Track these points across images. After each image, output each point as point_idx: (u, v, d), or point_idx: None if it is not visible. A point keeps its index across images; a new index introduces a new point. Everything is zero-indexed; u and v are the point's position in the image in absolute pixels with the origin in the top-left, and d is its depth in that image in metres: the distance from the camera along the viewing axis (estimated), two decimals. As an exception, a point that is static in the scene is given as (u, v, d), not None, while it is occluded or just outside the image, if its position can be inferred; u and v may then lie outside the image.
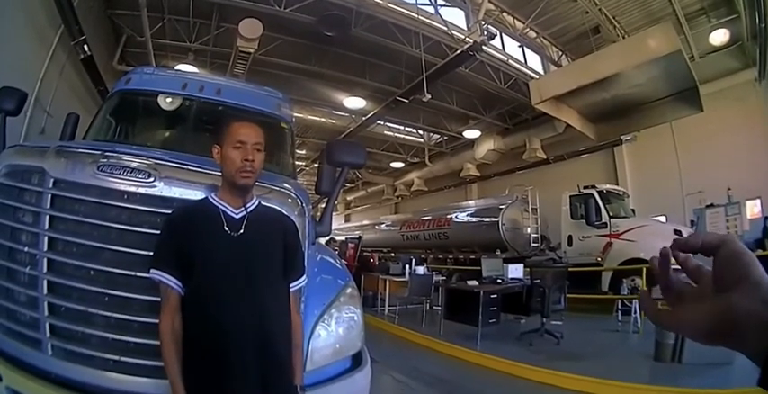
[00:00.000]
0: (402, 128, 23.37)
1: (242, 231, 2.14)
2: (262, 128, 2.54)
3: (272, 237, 2.23)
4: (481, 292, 8.40)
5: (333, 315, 2.98)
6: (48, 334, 2.54)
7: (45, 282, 2.58)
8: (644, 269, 10.09)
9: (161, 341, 2.04)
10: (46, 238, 2.61)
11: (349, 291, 3.22)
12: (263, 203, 2.36)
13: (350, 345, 3.03)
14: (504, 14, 14.32)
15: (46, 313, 2.55)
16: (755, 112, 13.40)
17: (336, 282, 3.26)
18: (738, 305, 0.64)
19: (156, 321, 2.13)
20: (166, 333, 2.03)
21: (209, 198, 2.27)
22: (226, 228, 2.12)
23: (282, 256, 2.22)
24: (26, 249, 2.65)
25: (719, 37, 13.13)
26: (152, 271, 2.09)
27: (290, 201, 2.84)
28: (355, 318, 3.09)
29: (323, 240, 3.87)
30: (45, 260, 2.59)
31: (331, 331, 2.92)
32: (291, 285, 2.26)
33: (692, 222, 9.86)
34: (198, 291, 2.05)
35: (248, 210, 2.23)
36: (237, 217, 2.18)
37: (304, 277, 2.38)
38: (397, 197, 30.49)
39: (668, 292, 0.81)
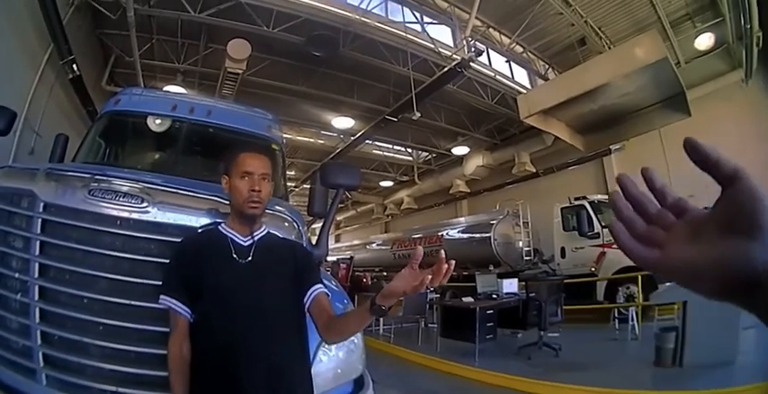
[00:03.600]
0: (391, 146, 23.39)
1: (250, 258, 2.14)
2: (252, 149, 2.50)
3: (281, 263, 2.22)
4: (477, 309, 8.39)
5: None
6: (41, 363, 2.48)
7: (37, 310, 2.52)
8: (639, 276, 10.09)
9: (169, 366, 2.04)
10: (37, 265, 2.55)
11: None
12: (271, 232, 2.36)
13: (351, 369, 2.99)
14: (491, 30, 14.44)
15: (39, 342, 2.50)
16: (744, 113, 13.51)
17: (335, 305, 3.21)
18: (759, 254, 0.56)
19: (154, 351, 2.18)
20: (175, 359, 2.03)
21: (219, 227, 2.28)
22: (234, 256, 2.13)
23: (293, 282, 2.20)
24: (17, 275, 2.60)
25: (705, 41, 13.20)
26: (161, 297, 2.10)
27: (286, 224, 2.83)
28: (355, 341, 3.04)
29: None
30: (36, 287, 2.53)
31: (332, 355, 2.87)
32: (313, 289, 2.21)
33: None
34: (206, 318, 2.06)
35: (256, 237, 2.24)
36: (246, 244, 2.20)
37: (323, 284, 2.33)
38: (388, 216, 30.45)
39: (637, 227, 0.69)
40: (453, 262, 1.62)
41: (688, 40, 13.50)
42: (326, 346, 2.85)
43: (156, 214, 2.59)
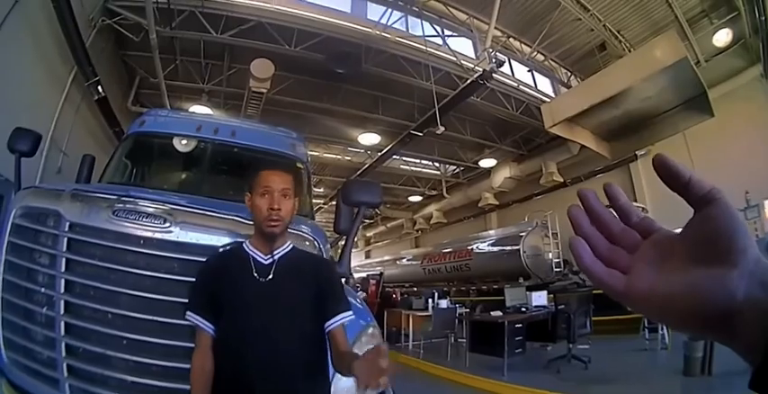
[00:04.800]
0: (418, 161, 23.36)
1: (271, 276, 2.17)
2: (277, 168, 2.51)
3: (303, 282, 2.24)
4: (506, 323, 8.33)
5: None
6: (65, 374, 2.56)
7: (62, 324, 2.61)
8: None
9: (191, 379, 2.10)
10: (63, 281, 2.65)
11: (371, 331, 3.22)
12: (297, 248, 2.38)
13: None
14: (511, 40, 14.44)
15: (63, 354, 2.58)
16: (765, 109, 13.19)
17: (358, 323, 3.23)
18: (738, 283, 0.51)
19: (176, 365, 2.25)
20: (197, 373, 2.09)
21: (243, 244, 2.32)
22: (255, 274, 2.17)
23: (314, 300, 2.21)
24: (43, 290, 2.70)
25: (723, 37, 12.96)
26: (188, 313, 2.19)
27: (306, 243, 2.84)
28: None
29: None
30: (62, 302, 2.63)
31: None
32: (331, 320, 2.20)
33: None
34: (226, 335, 2.11)
35: (276, 256, 2.25)
36: (266, 263, 2.22)
37: (349, 313, 2.31)
38: (417, 231, 30.33)
39: (599, 246, 0.64)
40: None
41: (706, 37, 13.30)
42: None
43: (178, 234, 2.65)
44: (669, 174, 0.58)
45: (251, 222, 2.70)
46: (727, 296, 0.52)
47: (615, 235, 0.64)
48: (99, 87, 10.21)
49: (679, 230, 0.60)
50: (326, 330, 2.18)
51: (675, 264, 0.57)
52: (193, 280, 2.30)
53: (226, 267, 2.24)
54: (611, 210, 0.67)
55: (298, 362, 2.13)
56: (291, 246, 2.34)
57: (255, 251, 2.24)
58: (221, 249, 2.45)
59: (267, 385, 2.01)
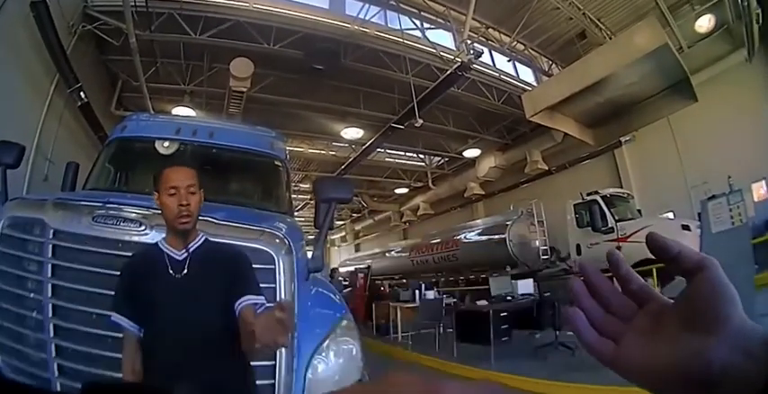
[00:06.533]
0: (402, 153, 23.54)
1: (185, 271, 2.20)
2: (256, 167, 2.61)
3: (218, 274, 2.24)
4: (491, 312, 8.43)
5: (330, 347, 3.08)
6: (56, 373, 2.71)
7: (51, 326, 2.75)
8: (654, 270, 10.00)
9: (123, 379, 2.17)
10: (50, 285, 2.79)
11: (345, 323, 3.31)
12: (210, 240, 2.39)
13: (350, 376, 3.12)
14: (491, 30, 14.54)
15: (53, 354, 2.72)
16: (751, 93, 13.33)
17: (332, 315, 3.34)
18: (716, 354, 0.52)
19: None
20: (126, 373, 2.16)
21: (158, 243, 2.33)
22: (170, 271, 2.19)
23: (229, 292, 2.19)
24: (32, 295, 2.83)
25: (705, 23, 13.00)
26: (112, 315, 2.21)
27: (277, 241, 2.98)
28: (354, 351, 3.19)
29: (319, 274, 3.91)
30: (50, 305, 2.77)
31: (329, 363, 3.03)
32: (238, 301, 2.14)
33: (698, 215, 9.76)
34: (149, 334, 2.16)
35: (190, 250, 2.27)
36: (180, 258, 2.24)
37: (260, 297, 2.24)
38: (405, 223, 30.47)
39: (595, 315, 0.65)
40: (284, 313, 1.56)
41: (688, 23, 13.34)
42: (323, 354, 3.01)
43: (153, 236, 2.76)
44: (659, 250, 0.59)
45: (223, 222, 2.84)
46: (704, 367, 0.52)
47: (612, 305, 0.65)
48: (81, 93, 10.22)
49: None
50: (238, 310, 2.13)
51: (665, 334, 0.57)
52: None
53: (142, 266, 2.27)
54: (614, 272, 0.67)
55: (219, 354, 2.15)
56: (204, 238, 2.36)
57: (169, 248, 2.26)
58: (138, 251, 2.48)
59: (191, 378, 2.05)
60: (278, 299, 2.78)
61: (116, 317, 2.19)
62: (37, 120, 9.15)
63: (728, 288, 0.53)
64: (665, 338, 0.57)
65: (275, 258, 2.90)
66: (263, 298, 2.26)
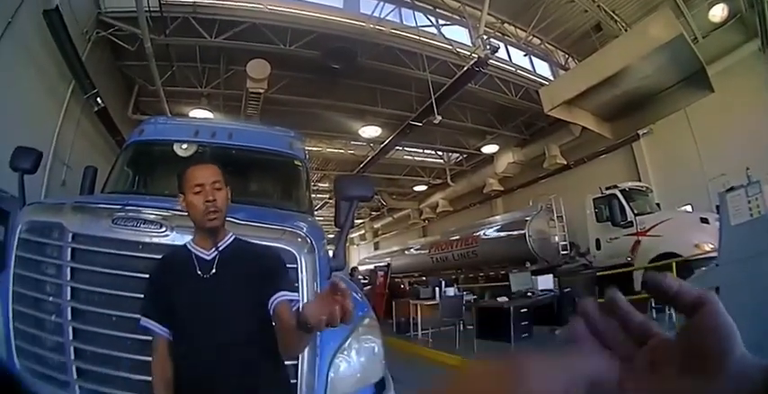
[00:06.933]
0: (421, 151, 23.51)
1: (214, 271, 2.13)
2: (275, 167, 2.57)
3: (248, 273, 2.16)
4: (511, 308, 8.37)
5: (352, 346, 3.04)
6: (75, 376, 2.70)
7: (71, 329, 2.75)
8: (673, 264, 9.92)
9: (153, 384, 2.10)
10: (69, 288, 2.79)
11: (367, 321, 3.29)
12: (239, 238, 2.33)
13: (372, 374, 3.10)
14: (506, 25, 14.44)
15: (72, 357, 2.72)
16: (765, 82, 13.05)
17: (355, 314, 3.32)
18: None
19: None
20: (156, 378, 2.10)
21: (187, 244, 2.27)
22: (198, 272, 2.13)
23: (259, 291, 2.10)
24: (50, 299, 2.84)
25: (719, 12, 12.84)
26: (141, 320, 2.16)
27: (299, 240, 2.93)
28: (376, 348, 3.16)
29: (340, 273, 3.90)
30: (69, 308, 2.77)
31: (351, 361, 3.00)
32: (272, 298, 2.05)
33: (717, 208, 9.60)
34: (179, 337, 2.10)
35: (220, 248, 2.20)
36: (209, 258, 2.18)
37: (294, 294, 2.18)
38: (424, 220, 30.44)
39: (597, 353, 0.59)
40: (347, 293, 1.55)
41: (701, 13, 13.19)
42: (346, 353, 2.98)
43: (174, 237, 2.75)
44: (657, 292, 0.55)
45: (245, 222, 2.80)
46: None
47: (611, 343, 0.60)
48: (98, 99, 10.38)
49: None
50: (272, 306, 2.04)
51: (664, 372, 0.54)
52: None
53: (170, 268, 2.21)
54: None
55: (252, 354, 2.09)
56: (234, 237, 2.29)
57: (198, 248, 2.19)
58: (166, 253, 2.41)
59: (225, 381, 2.02)
60: (300, 298, 2.70)
61: (145, 320, 2.14)
62: (54, 126, 9.31)
63: (731, 326, 0.50)
64: (664, 377, 0.53)
65: (298, 257, 2.85)
66: (297, 295, 2.23)
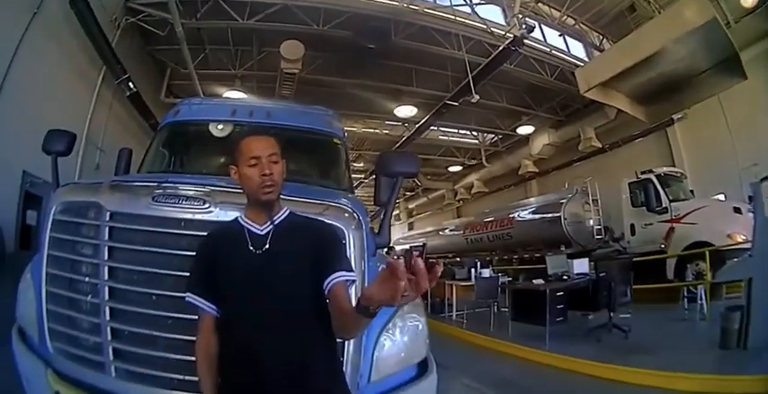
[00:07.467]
0: (456, 131, 23.41)
1: (267, 246, 2.04)
2: (315, 145, 2.45)
3: (301, 248, 2.06)
4: (547, 291, 8.22)
5: (397, 324, 2.99)
6: (111, 357, 2.68)
7: (107, 309, 2.72)
8: (707, 253, 9.72)
9: (197, 362, 2.07)
10: (106, 268, 2.75)
11: None
12: (295, 213, 2.23)
13: (415, 353, 3.04)
14: (540, 5, 14.17)
15: (109, 338, 2.70)
16: None
17: None
18: None
19: None
20: (200, 355, 2.06)
21: (239, 218, 2.19)
22: (250, 247, 2.04)
23: (312, 267, 2.01)
24: (87, 279, 2.81)
25: (750, -3, 12.41)
26: (187, 295, 2.09)
27: (346, 215, 2.86)
28: (420, 327, 3.10)
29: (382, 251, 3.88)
30: (106, 288, 2.73)
31: (396, 340, 2.95)
32: (329, 279, 1.96)
33: (749, 198, 9.39)
34: (227, 313, 2.04)
35: (275, 222, 2.12)
36: (263, 233, 2.09)
37: (351, 273, 2.07)
38: (459, 201, 30.37)
39: None
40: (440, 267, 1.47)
41: (734, -2, 12.70)
42: (390, 332, 2.94)
43: (218, 213, 2.69)
44: None
45: (290, 198, 2.53)
46: None
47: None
48: (130, 84, 10.57)
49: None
50: (328, 287, 1.96)
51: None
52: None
53: (220, 244, 2.12)
54: None
55: (303, 333, 1.99)
56: (288, 211, 2.20)
57: (251, 223, 2.11)
58: (216, 228, 2.32)
59: (275, 362, 1.94)
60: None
61: (191, 297, 2.07)
62: (86, 112, 9.52)
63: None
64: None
65: (346, 233, 2.77)
66: (354, 274, 2.13)
